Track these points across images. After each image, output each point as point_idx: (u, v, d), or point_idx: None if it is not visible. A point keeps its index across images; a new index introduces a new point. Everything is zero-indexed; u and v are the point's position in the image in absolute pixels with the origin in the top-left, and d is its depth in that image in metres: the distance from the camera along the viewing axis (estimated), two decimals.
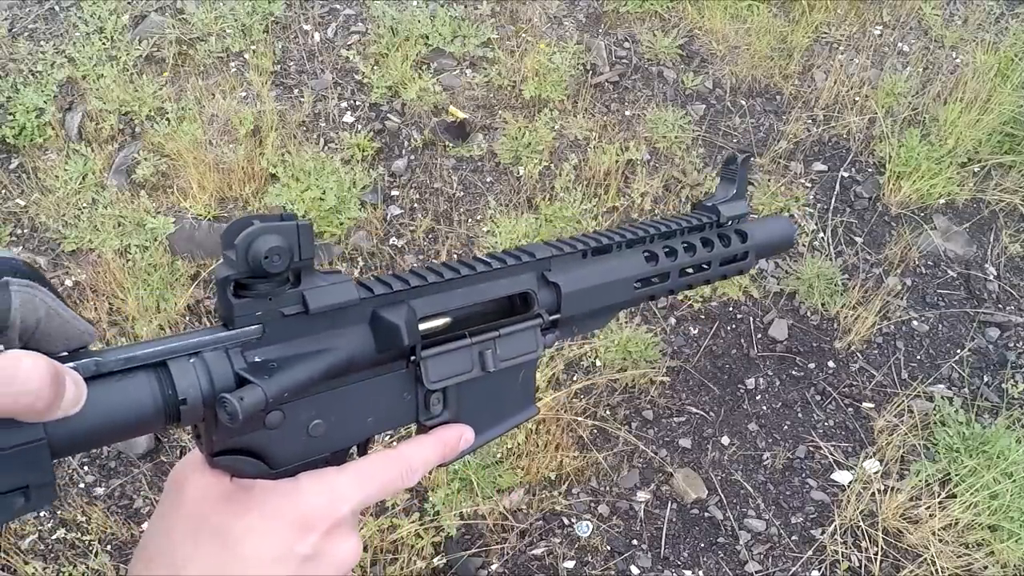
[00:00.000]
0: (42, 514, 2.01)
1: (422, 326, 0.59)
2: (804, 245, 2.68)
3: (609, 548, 2.03)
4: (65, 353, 0.44)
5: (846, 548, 2.05)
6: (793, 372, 2.41)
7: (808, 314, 2.53)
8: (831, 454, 2.23)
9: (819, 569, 2.02)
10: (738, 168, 0.82)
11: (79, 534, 1.97)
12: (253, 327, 0.50)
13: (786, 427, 2.29)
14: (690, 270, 0.79)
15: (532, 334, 0.65)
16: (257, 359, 0.50)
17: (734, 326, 2.49)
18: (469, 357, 0.61)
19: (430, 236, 2.60)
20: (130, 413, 0.45)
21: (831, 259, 2.65)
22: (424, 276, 0.59)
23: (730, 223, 0.82)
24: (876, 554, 2.02)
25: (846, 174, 2.89)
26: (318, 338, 0.53)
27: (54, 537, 1.97)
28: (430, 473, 2.05)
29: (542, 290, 0.67)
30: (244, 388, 0.47)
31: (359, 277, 0.57)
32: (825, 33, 3.32)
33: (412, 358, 0.59)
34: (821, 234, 2.73)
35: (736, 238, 0.82)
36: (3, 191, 2.64)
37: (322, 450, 0.56)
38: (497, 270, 0.63)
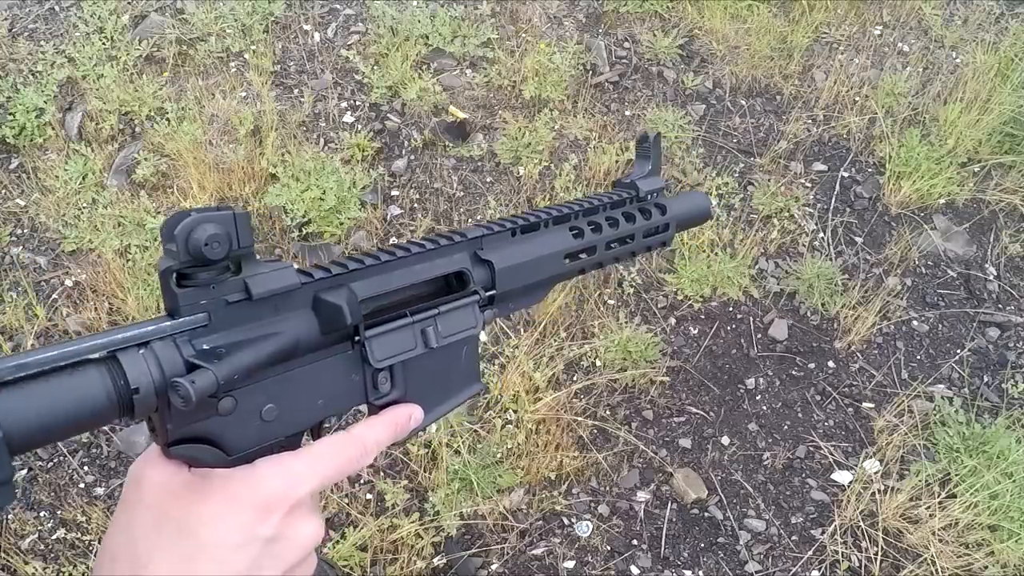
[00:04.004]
0: (42, 514, 2.01)
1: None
2: (804, 245, 2.68)
3: (609, 548, 2.03)
4: None
5: (846, 548, 2.05)
6: (793, 372, 2.41)
7: (808, 314, 2.53)
8: (831, 454, 2.23)
9: (819, 569, 2.02)
10: (651, 146, 0.87)
11: (79, 534, 1.97)
12: (198, 315, 0.51)
13: (786, 427, 2.29)
14: (615, 244, 0.83)
15: (470, 310, 0.68)
16: (205, 346, 0.51)
17: (734, 326, 2.49)
18: (411, 335, 0.64)
19: None
20: (84, 406, 0.46)
21: (831, 259, 2.65)
22: (361, 260, 0.61)
23: (649, 197, 0.86)
24: (876, 554, 2.02)
25: (846, 174, 2.89)
26: (263, 323, 0.54)
27: (54, 537, 1.97)
28: (430, 474, 2.05)
29: (476, 268, 0.69)
30: (195, 372, 0.48)
31: (300, 266, 0.58)
32: (825, 33, 3.32)
33: (356, 339, 0.60)
34: (821, 234, 2.73)
35: (656, 211, 0.86)
36: (3, 191, 2.64)
37: (276, 434, 0.57)
38: (431, 251, 0.66)
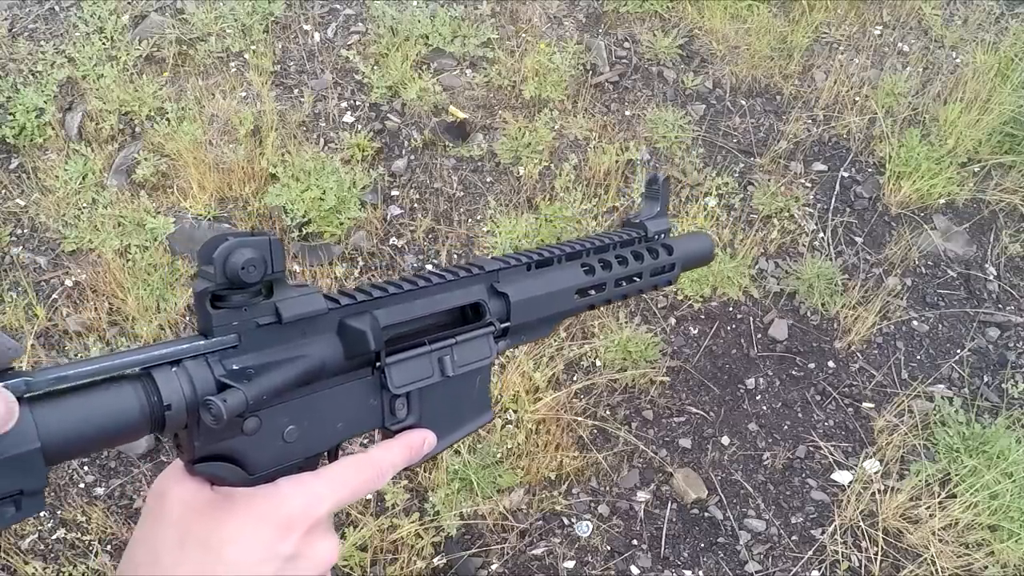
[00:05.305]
0: (42, 514, 2.01)
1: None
2: (804, 245, 2.68)
3: (609, 548, 2.03)
4: None
5: (846, 548, 2.05)
6: (793, 372, 2.41)
7: (808, 314, 2.53)
8: (831, 454, 2.23)
9: (819, 569, 2.02)
10: (660, 188, 0.90)
11: (79, 534, 1.97)
12: (230, 336, 0.53)
13: (786, 427, 2.29)
14: (623, 281, 0.86)
15: (485, 341, 0.70)
16: (235, 367, 0.53)
17: (734, 326, 2.49)
18: (429, 363, 0.66)
19: (430, 236, 2.60)
20: (118, 421, 0.48)
21: (831, 259, 2.65)
22: (385, 288, 0.63)
23: (656, 238, 0.90)
24: (876, 554, 2.02)
25: (846, 174, 2.89)
26: (290, 346, 0.56)
27: (54, 537, 1.97)
28: (430, 474, 2.05)
29: (492, 300, 0.72)
30: (227, 391, 0.50)
31: (325, 292, 0.60)
32: (825, 33, 3.32)
33: (377, 364, 0.62)
34: (821, 234, 2.73)
35: (663, 251, 0.90)
36: (3, 191, 2.64)
37: (297, 455, 0.59)
38: (451, 282, 0.68)
